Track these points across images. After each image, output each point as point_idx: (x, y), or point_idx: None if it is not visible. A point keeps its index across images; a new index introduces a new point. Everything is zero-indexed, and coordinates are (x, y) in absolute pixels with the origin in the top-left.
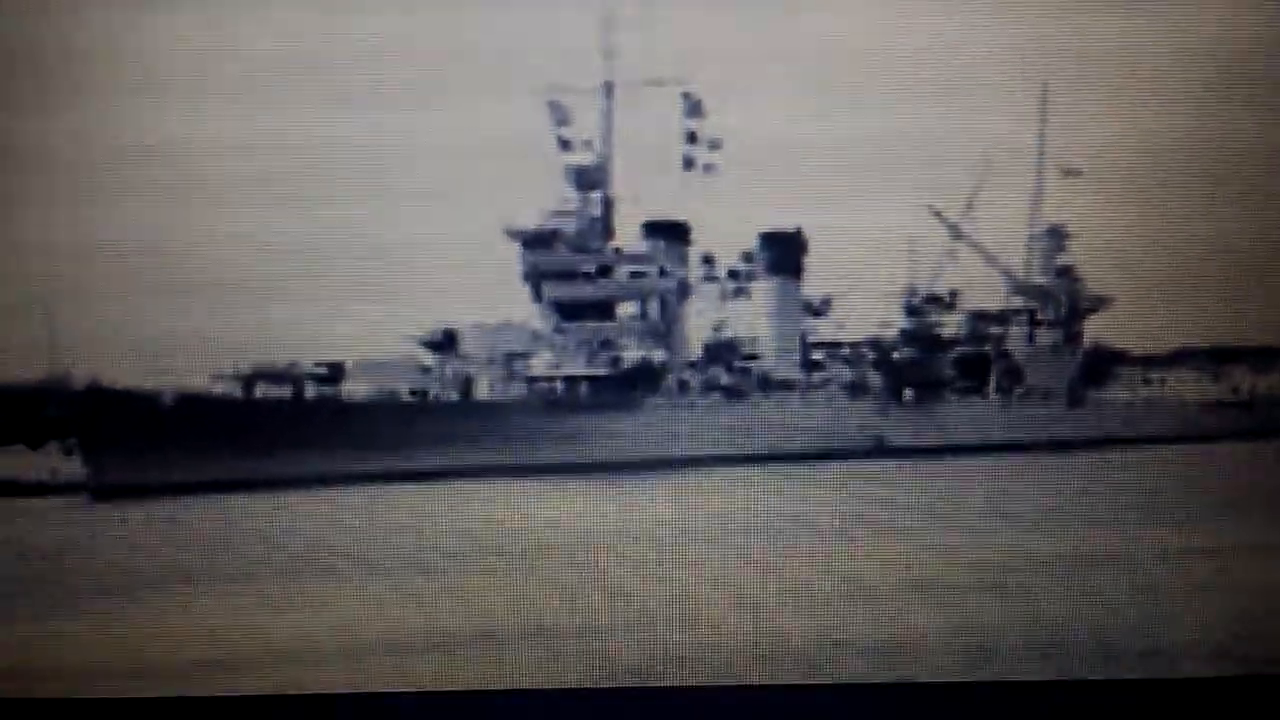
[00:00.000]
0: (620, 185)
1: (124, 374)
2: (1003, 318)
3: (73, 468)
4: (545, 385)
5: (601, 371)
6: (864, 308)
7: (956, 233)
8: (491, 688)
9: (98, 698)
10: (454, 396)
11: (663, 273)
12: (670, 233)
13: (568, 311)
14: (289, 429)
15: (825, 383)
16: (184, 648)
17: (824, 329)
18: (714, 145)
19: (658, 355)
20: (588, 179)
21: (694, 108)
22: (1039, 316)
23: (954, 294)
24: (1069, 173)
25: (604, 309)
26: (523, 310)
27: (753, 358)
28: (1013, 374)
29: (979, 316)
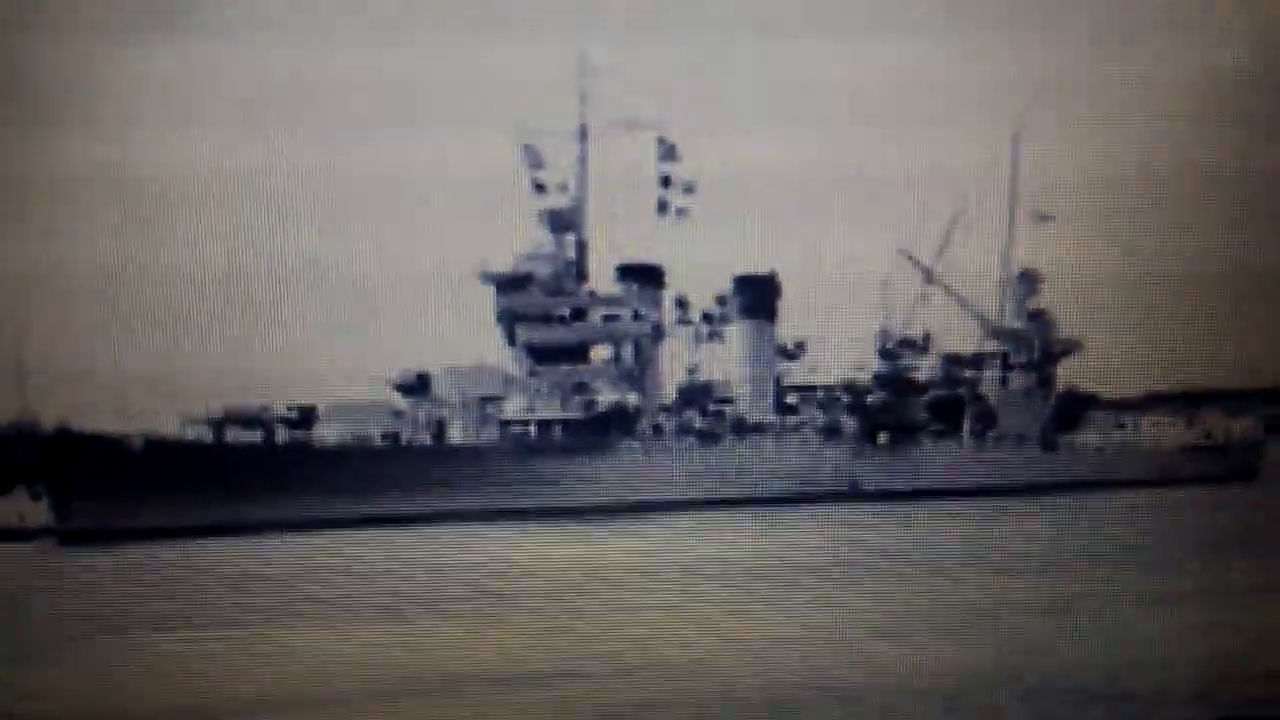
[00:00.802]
0: (594, 229)
1: (93, 417)
2: (976, 361)
3: (40, 512)
4: (519, 429)
5: (575, 415)
6: (838, 351)
7: (929, 276)
8: None
9: None
10: (427, 440)
11: (637, 316)
12: (644, 276)
13: (541, 355)
14: (260, 474)
15: (799, 426)
16: (152, 694)
17: (798, 372)
18: (688, 189)
19: (632, 399)
20: (562, 222)
21: (668, 152)
22: (1012, 360)
23: (927, 337)
24: (1041, 218)
25: (578, 352)
26: (496, 353)
27: (727, 401)
28: (986, 418)
29: (953, 360)
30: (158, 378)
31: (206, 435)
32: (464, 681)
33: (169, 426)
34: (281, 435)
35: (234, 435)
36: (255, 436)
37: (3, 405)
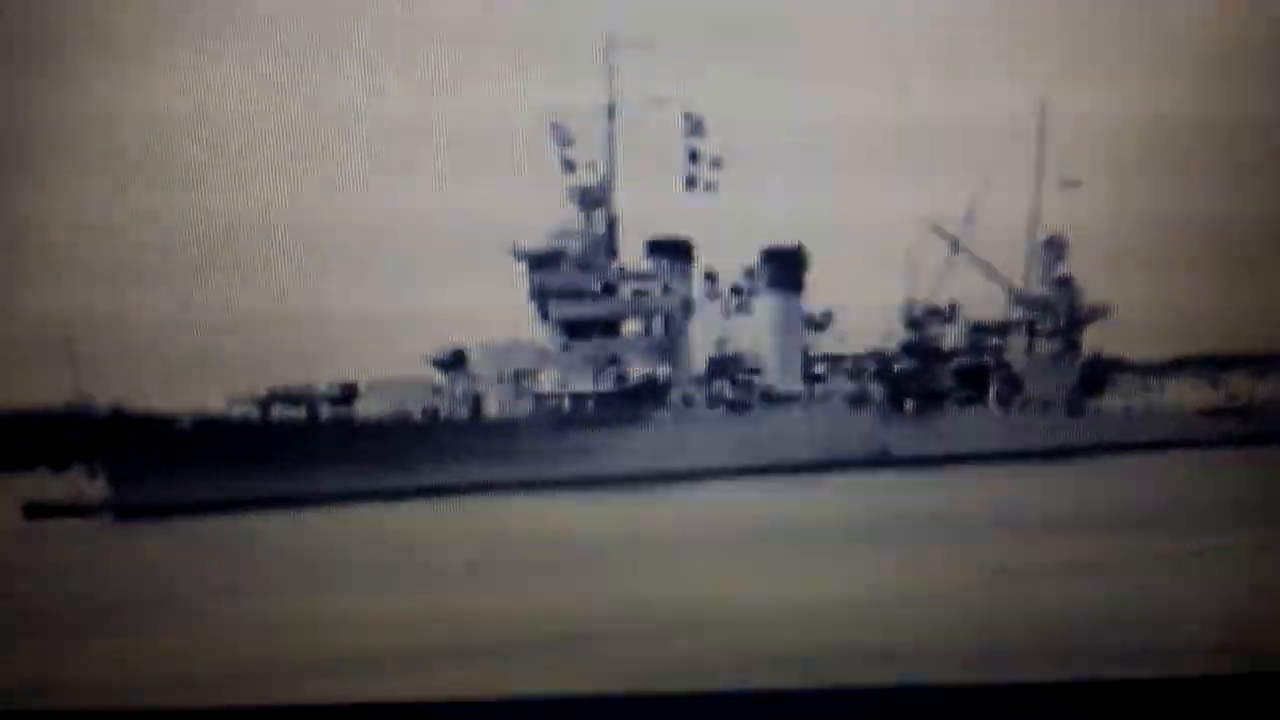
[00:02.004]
0: (623, 205)
1: (145, 398)
2: (1002, 328)
3: (97, 489)
4: (553, 402)
5: (607, 388)
6: (865, 321)
7: (956, 245)
8: (507, 695)
9: (124, 709)
10: (464, 414)
11: (666, 290)
12: (673, 250)
13: (574, 329)
14: (304, 449)
15: (827, 395)
16: (206, 660)
17: (825, 342)
18: (716, 164)
19: (662, 371)
20: (591, 199)
21: (695, 126)
22: (1038, 327)
23: (953, 306)
24: (1068, 184)
25: (609, 326)
26: (530, 329)
27: (756, 372)
28: (1012, 384)
29: (978, 328)
30: (205, 361)
31: (253, 413)
32: (503, 646)
33: (217, 406)
34: (325, 412)
35: (279, 413)
36: (300, 413)
37: (58, 389)
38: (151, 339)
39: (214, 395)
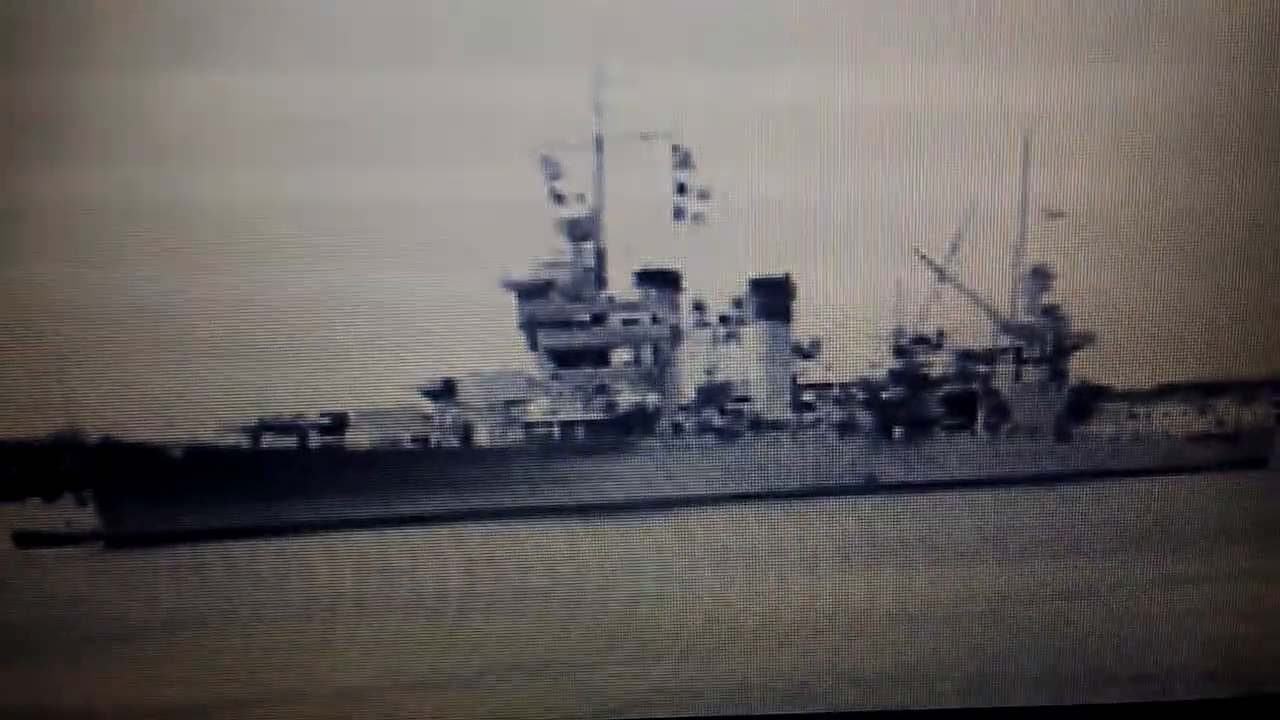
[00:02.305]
0: (612, 236)
1: (136, 428)
2: (989, 356)
3: (87, 518)
4: (542, 430)
5: (597, 416)
6: (853, 349)
7: (942, 275)
8: None
9: None
10: (454, 443)
11: (655, 320)
12: (662, 281)
13: (563, 359)
14: (295, 477)
15: (816, 422)
16: (196, 689)
17: (814, 371)
18: (703, 195)
19: (651, 399)
20: (580, 230)
21: (683, 160)
22: (1025, 354)
23: (941, 334)
24: (1052, 215)
25: (598, 356)
26: (519, 359)
27: (744, 400)
28: (1000, 411)
29: (966, 355)
30: (196, 392)
31: (243, 442)
32: (493, 673)
33: (208, 435)
34: (315, 440)
35: (270, 441)
36: (290, 442)
37: (49, 420)
38: (143, 370)
39: (204, 424)
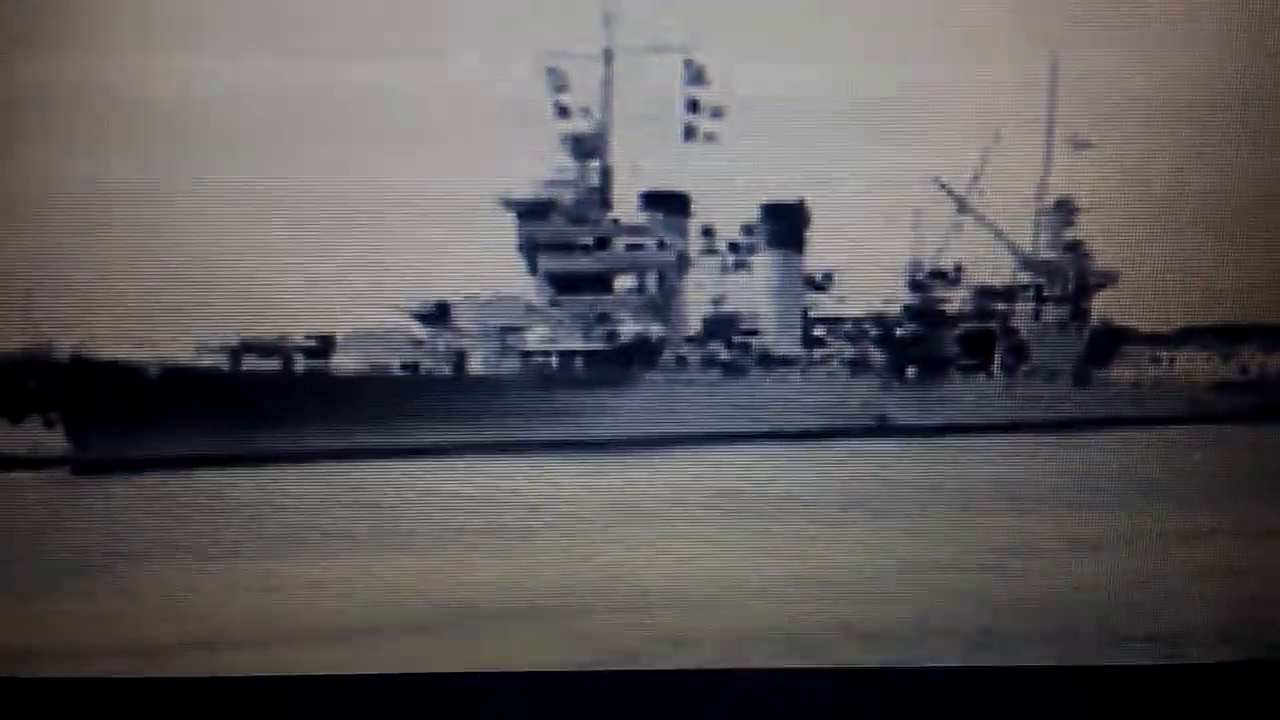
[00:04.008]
0: (619, 155)
1: (108, 346)
2: (1009, 294)
3: (55, 441)
4: (540, 360)
5: (598, 346)
6: (867, 282)
7: (963, 206)
8: (483, 670)
9: (81, 676)
10: (447, 371)
11: (661, 245)
12: (670, 204)
13: (563, 284)
14: (277, 403)
15: (827, 359)
16: (168, 626)
17: (826, 304)
18: (716, 114)
19: (655, 330)
20: (585, 147)
21: (696, 75)
22: (1046, 293)
23: (959, 269)
24: (1079, 145)
25: (601, 282)
26: (517, 283)
27: (753, 333)
28: (1018, 352)
29: (984, 292)
30: (173, 307)
31: (223, 364)
32: (484, 615)
33: (185, 355)
34: (299, 364)
35: (251, 364)
36: (273, 365)
37: (15, 333)
38: (117, 284)
39: (182, 344)
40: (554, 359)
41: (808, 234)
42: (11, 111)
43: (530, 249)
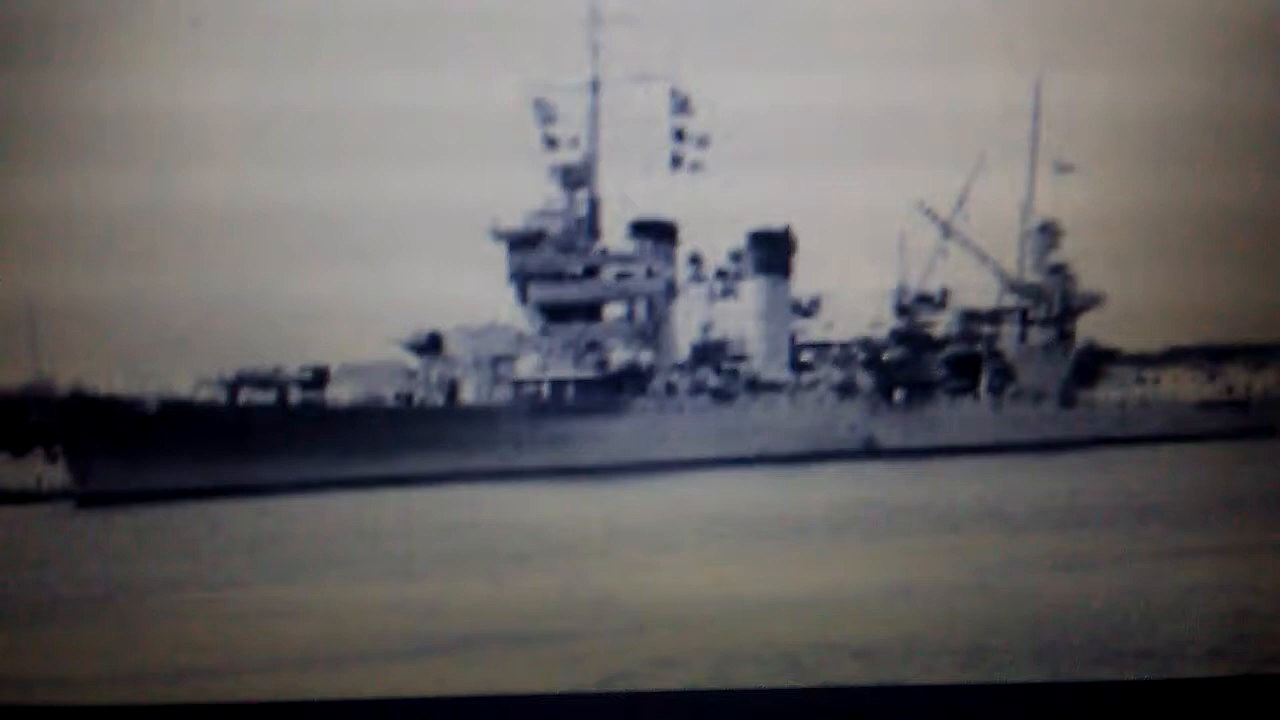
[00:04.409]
0: (606, 184)
1: (108, 380)
2: (994, 316)
3: (57, 475)
4: (531, 388)
5: (588, 374)
6: (854, 307)
7: (948, 231)
8: (478, 693)
9: (84, 704)
10: (439, 400)
11: (650, 273)
12: (657, 232)
13: (554, 313)
14: (274, 434)
15: (814, 384)
16: (169, 654)
17: (813, 329)
18: (702, 143)
19: (645, 357)
20: (574, 177)
21: (681, 105)
22: (1031, 315)
23: (945, 292)
24: (1063, 169)
25: (591, 310)
26: (508, 312)
27: (741, 359)
28: (1004, 374)
29: (970, 315)
30: (171, 341)
31: (220, 396)
32: (478, 641)
33: (183, 389)
34: (295, 396)
35: (248, 396)
36: (269, 397)
37: (17, 370)
38: (116, 320)
39: (180, 378)
40: (545, 387)
41: (794, 260)
42: (26, 144)
43: (520, 278)
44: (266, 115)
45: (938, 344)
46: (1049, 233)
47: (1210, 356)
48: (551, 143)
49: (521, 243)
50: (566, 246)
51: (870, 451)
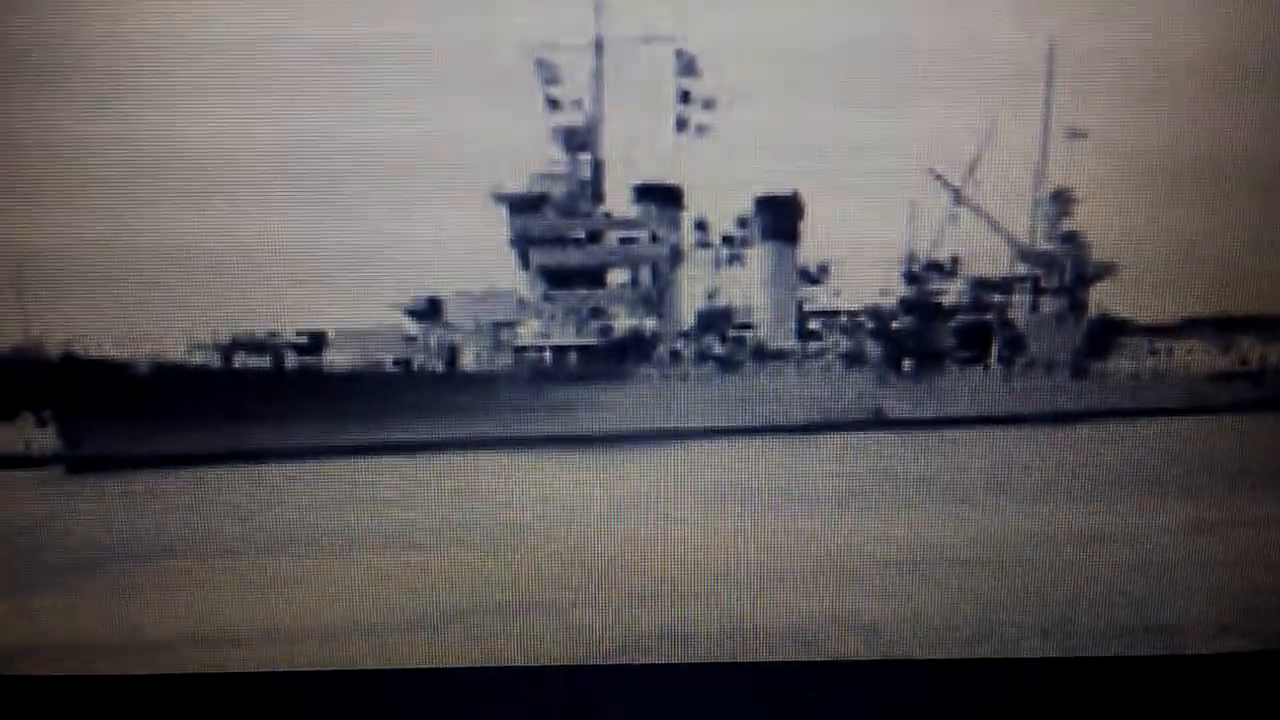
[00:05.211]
0: (610, 147)
1: (99, 343)
2: (1005, 285)
3: (47, 439)
4: (533, 355)
5: (591, 341)
6: (862, 274)
7: (958, 197)
8: (477, 665)
9: (74, 674)
10: (439, 367)
11: (654, 238)
12: (662, 197)
13: (556, 279)
14: (269, 400)
15: (822, 352)
16: (161, 624)
17: (821, 297)
18: (708, 105)
19: (649, 324)
20: (577, 140)
21: (688, 65)
22: (1043, 284)
23: (955, 260)
24: (1075, 135)
25: (594, 276)
26: (510, 278)
27: (747, 326)
28: (1015, 344)
29: (981, 284)
30: (163, 303)
31: (214, 361)
32: (478, 611)
33: (176, 352)
34: (291, 361)
35: (242, 361)
36: (264, 362)
37: (5, 331)
38: (106, 280)
39: (172, 341)
40: (547, 354)
41: (802, 226)
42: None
43: (522, 243)
44: (267, 60)
45: (948, 313)
46: (1062, 200)
47: (1224, 328)
48: (554, 104)
49: (523, 206)
50: (569, 210)
51: (878, 421)
